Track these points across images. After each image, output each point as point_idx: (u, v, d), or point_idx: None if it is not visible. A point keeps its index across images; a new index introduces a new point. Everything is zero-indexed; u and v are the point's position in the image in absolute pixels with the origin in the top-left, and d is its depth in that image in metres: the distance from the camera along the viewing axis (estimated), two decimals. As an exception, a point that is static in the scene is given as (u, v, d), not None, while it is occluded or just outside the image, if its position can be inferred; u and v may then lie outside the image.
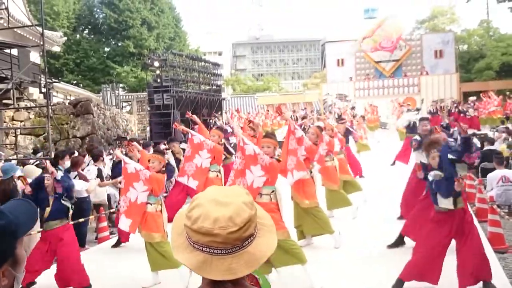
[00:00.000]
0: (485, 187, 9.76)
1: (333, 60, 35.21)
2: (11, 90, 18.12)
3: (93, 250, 8.23)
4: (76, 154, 10.82)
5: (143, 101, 32.86)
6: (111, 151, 14.26)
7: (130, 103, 34.83)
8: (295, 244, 5.53)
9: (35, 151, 15.34)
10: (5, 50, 18.37)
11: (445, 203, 5.07)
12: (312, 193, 6.89)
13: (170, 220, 5.29)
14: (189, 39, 51.25)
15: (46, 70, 16.40)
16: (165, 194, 8.51)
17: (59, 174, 6.05)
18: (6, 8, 16.29)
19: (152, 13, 43.23)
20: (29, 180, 7.85)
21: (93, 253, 8.02)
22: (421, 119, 8.01)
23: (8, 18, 16.13)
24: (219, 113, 26.82)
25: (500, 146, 13.38)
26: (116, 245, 8.16)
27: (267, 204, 5.41)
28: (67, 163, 8.92)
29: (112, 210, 9.85)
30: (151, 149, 11.83)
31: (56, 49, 28.19)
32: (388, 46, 33.03)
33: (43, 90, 17.30)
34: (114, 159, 10.20)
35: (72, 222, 8.64)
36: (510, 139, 13.91)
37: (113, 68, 41.40)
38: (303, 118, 18.71)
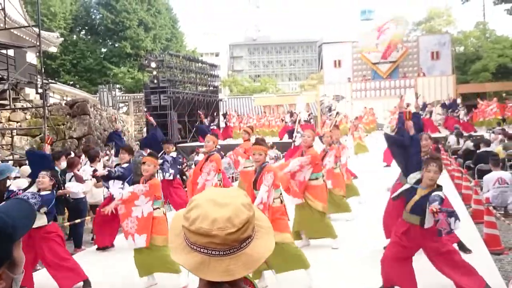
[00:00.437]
0: (481, 189, 9.79)
1: (330, 61, 35.22)
2: (8, 91, 18.10)
3: (89, 251, 8.21)
4: (72, 155, 10.83)
5: (140, 102, 32.84)
6: (108, 152, 14.24)
7: (127, 104, 34.79)
8: (299, 249, 5.52)
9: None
10: (1, 51, 18.33)
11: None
12: (325, 199, 6.97)
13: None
14: (186, 40, 51.24)
15: (43, 70, 16.40)
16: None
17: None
18: (3, 9, 16.27)
19: (149, 14, 43.21)
20: (24, 180, 7.85)
21: (89, 254, 7.99)
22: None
23: (5, 19, 16.12)
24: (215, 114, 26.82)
25: (496, 147, 13.42)
26: (103, 248, 8.12)
27: (280, 208, 5.49)
28: (63, 163, 8.94)
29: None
30: (148, 150, 11.84)
31: (53, 49, 28.18)
32: (382, 50, 33.15)
33: (40, 90, 17.30)
34: (111, 160, 10.20)
35: (68, 223, 8.68)
36: (506, 141, 13.95)
37: (110, 69, 41.35)
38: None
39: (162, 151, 9.79)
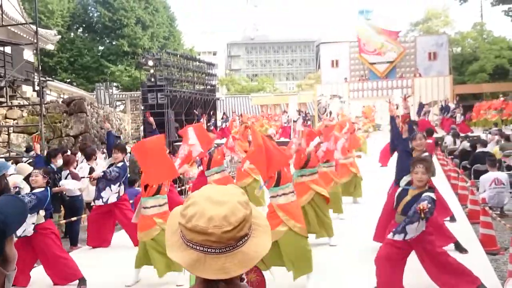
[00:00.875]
0: (477, 189, 9.81)
1: (328, 61, 35.23)
2: (4, 88, 18.06)
3: (85, 249, 8.19)
4: (69, 152, 10.80)
5: (137, 100, 32.79)
6: (104, 150, 14.21)
7: (123, 102, 34.73)
8: (309, 252, 5.47)
9: (27, 149, 15.26)
10: (-2, 48, 18.28)
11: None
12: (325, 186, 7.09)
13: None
14: (183, 39, 51.18)
15: (40, 68, 16.34)
16: None
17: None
18: (0, 6, 16.22)
19: (147, 12, 43.13)
20: (20, 177, 7.84)
21: (85, 252, 7.98)
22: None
23: (2, 16, 16.06)
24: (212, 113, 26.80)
25: (493, 148, 13.45)
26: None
27: (295, 201, 5.58)
28: (59, 161, 8.92)
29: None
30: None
31: (50, 47, 28.11)
32: (371, 51, 33.17)
33: (37, 88, 17.25)
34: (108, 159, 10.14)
35: (64, 221, 8.67)
36: (503, 142, 13.98)
37: (107, 67, 41.27)
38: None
39: None
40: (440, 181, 10.28)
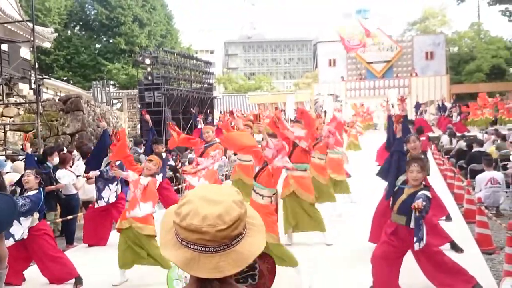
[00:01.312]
0: (473, 189, 9.83)
1: (325, 60, 35.27)
2: (1, 86, 18.00)
3: (81, 247, 8.18)
4: (65, 150, 10.78)
5: (133, 98, 32.73)
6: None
7: (120, 100, 34.67)
8: (285, 249, 5.50)
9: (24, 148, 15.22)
10: (-5, 45, 18.23)
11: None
12: (312, 190, 7.06)
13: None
14: (181, 37, 51.10)
15: (36, 66, 16.30)
16: None
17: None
18: (-3, 3, 16.16)
19: (144, 10, 43.03)
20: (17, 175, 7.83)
21: (81, 250, 7.97)
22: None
23: (-2, 13, 16.00)
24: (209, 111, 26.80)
25: (489, 148, 13.47)
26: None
27: (267, 207, 5.46)
28: (55, 159, 8.90)
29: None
30: (142, 147, 11.82)
31: (47, 45, 28.01)
32: (356, 45, 33.15)
33: (33, 86, 17.21)
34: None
35: (60, 219, 8.65)
36: (499, 141, 14.01)
37: (104, 65, 41.16)
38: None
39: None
40: (436, 180, 10.29)
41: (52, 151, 9.13)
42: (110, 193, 7.78)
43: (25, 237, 5.63)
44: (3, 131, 18.12)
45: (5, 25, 20.15)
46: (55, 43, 35.24)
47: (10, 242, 5.16)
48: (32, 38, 15.21)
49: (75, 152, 11.22)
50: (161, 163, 6.23)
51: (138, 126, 27.79)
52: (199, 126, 10.40)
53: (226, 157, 13.77)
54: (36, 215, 5.84)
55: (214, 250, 1.36)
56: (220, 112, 29.36)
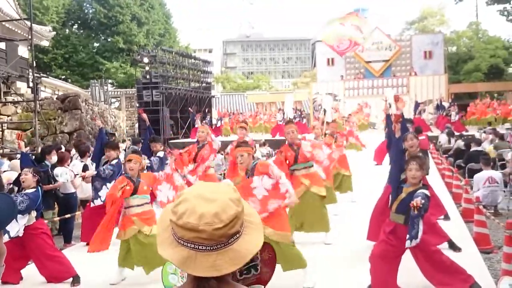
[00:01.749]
0: (471, 188, 9.84)
1: (323, 59, 35.22)
2: (-2, 84, 17.96)
3: (79, 246, 8.16)
4: (63, 149, 10.76)
5: (132, 97, 32.72)
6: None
7: (118, 99, 34.64)
8: (296, 250, 5.40)
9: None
10: (-8, 44, 18.18)
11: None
12: (322, 182, 7.07)
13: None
14: (179, 36, 51.11)
15: (34, 64, 16.28)
16: None
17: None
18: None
19: (142, 9, 43.01)
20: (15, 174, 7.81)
21: (79, 249, 7.95)
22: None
23: (-4, 12, 15.97)
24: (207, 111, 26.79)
25: (487, 147, 13.49)
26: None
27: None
28: (54, 158, 8.89)
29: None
30: (141, 146, 11.77)
31: (45, 43, 27.97)
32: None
33: (31, 84, 17.16)
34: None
35: (58, 218, 8.63)
36: (497, 141, 14.02)
37: (102, 64, 41.14)
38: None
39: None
40: (434, 179, 10.29)
41: (50, 150, 9.11)
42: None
43: (20, 235, 5.61)
44: (0, 129, 18.10)
45: (3, 23, 20.10)
46: (53, 41, 35.19)
47: (5, 238, 5.15)
48: (30, 37, 15.20)
49: (73, 151, 11.21)
50: (141, 158, 6.19)
51: (136, 125, 27.75)
52: (197, 125, 10.36)
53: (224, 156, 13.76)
54: (34, 214, 5.82)
55: (211, 248, 1.35)
56: (219, 111, 29.33)
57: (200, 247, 1.35)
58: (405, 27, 49.88)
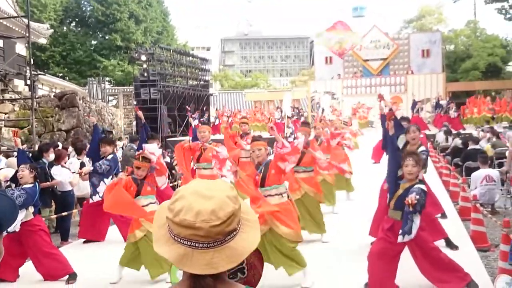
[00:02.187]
0: (469, 186, 9.85)
1: (321, 58, 35.25)
2: (-4, 82, 17.91)
3: (76, 244, 8.16)
4: (60, 147, 10.74)
5: (129, 95, 32.66)
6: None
7: (116, 97, 34.59)
8: (299, 252, 5.42)
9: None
10: (-10, 41, 18.13)
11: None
12: (321, 189, 7.19)
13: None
14: (177, 34, 51.03)
15: (32, 62, 16.24)
16: None
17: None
18: (-8, -1, 16.08)
19: (140, 7, 42.92)
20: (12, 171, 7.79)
21: (76, 246, 7.95)
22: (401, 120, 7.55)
23: (-7, 9, 15.92)
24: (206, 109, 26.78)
25: (484, 145, 13.51)
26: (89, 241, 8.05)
27: (287, 203, 5.53)
28: (51, 156, 8.87)
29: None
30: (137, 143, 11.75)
31: (43, 41, 27.91)
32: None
33: (28, 82, 17.14)
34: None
35: (55, 216, 8.62)
36: (494, 139, 14.04)
37: (100, 61, 41.05)
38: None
39: None
40: (432, 178, 10.31)
41: (48, 148, 9.10)
42: None
43: (17, 230, 5.60)
44: (-2, 127, 18.05)
45: (0, 20, 20.04)
46: (51, 39, 35.10)
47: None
48: (27, 34, 15.16)
49: (70, 149, 11.20)
50: (148, 166, 6.07)
51: (134, 123, 27.73)
52: (192, 125, 10.26)
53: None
54: (31, 209, 5.82)
55: (208, 246, 1.34)
56: (216, 109, 29.31)
57: (196, 245, 1.34)
58: (403, 26, 49.88)
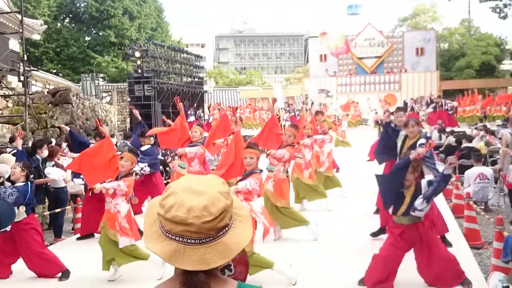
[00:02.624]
0: (462, 184, 9.89)
1: (316, 55, 35.29)
2: (-11, 78, 17.80)
3: (69, 241, 8.13)
4: (54, 143, 10.69)
5: (123, 91, 32.51)
6: (91, 142, 14.04)
7: (110, 93, 34.43)
8: (258, 255, 5.25)
9: (11, 140, 15.09)
10: (-18, 37, 18.01)
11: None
12: (287, 194, 7.02)
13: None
14: (171, 30, 50.84)
15: (25, 58, 16.13)
16: None
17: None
18: (-16, -6, 15.96)
19: (134, 3, 42.73)
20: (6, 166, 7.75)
21: (69, 243, 7.92)
22: (397, 110, 7.62)
23: (-14, 4, 15.80)
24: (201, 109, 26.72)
25: (478, 143, 13.55)
26: (85, 237, 8.00)
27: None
28: (45, 152, 8.83)
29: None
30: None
31: (36, 37, 27.77)
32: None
33: (22, 78, 17.03)
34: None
35: (48, 212, 8.58)
36: (487, 137, 14.09)
37: (94, 58, 40.86)
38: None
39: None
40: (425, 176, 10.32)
41: (42, 144, 9.05)
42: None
43: (8, 229, 5.57)
44: (-10, 123, 17.94)
45: (-6, 16, 19.90)
46: (45, 35, 34.91)
47: None
48: (21, 30, 15.06)
49: (64, 145, 11.13)
50: (135, 158, 6.08)
51: (128, 119, 27.62)
52: (189, 119, 10.34)
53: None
54: (23, 209, 5.77)
55: (200, 242, 1.33)
56: (209, 106, 29.24)
57: (188, 241, 1.33)
58: (397, 24, 50.02)
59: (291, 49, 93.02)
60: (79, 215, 8.94)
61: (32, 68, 22.58)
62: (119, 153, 6.46)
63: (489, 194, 9.64)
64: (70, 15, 45.01)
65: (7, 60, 19.02)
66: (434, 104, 24.20)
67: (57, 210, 8.38)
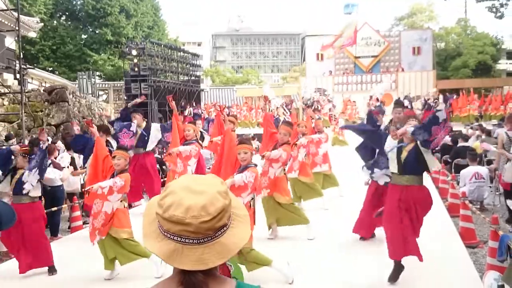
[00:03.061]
0: (458, 183, 9.91)
1: (313, 54, 35.27)
2: (-15, 76, 17.74)
3: (66, 239, 8.12)
4: (50, 141, 10.67)
5: (120, 90, 32.50)
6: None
7: (106, 91, 34.39)
8: (257, 252, 5.31)
9: (7, 138, 15.06)
10: (-22, 34, 17.94)
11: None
12: (288, 190, 7.10)
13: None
14: (168, 29, 50.76)
15: (21, 56, 16.08)
16: None
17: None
18: (-20, -9, 15.90)
19: (131, 1, 42.65)
20: None
21: (66, 242, 7.91)
22: (395, 106, 7.56)
23: (-18, 2, 15.74)
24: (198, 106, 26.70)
25: (473, 143, 13.58)
26: None
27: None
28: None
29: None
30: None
31: (32, 35, 27.66)
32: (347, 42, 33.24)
33: (18, 76, 16.99)
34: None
35: (45, 211, 8.56)
36: (483, 136, 14.13)
37: (90, 56, 40.78)
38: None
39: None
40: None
41: (38, 142, 9.02)
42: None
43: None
44: (-14, 121, 17.90)
45: (-11, 14, 19.84)
46: (41, 33, 34.81)
47: None
48: (17, 28, 15.02)
49: (60, 144, 11.12)
50: (127, 155, 6.08)
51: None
52: (186, 114, 10.29)
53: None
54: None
55: (198, 241, 1.33)
56: (205, 104, 29.22)
57: (186, 240, 1.33)
58: (394, 23, 50.07)
59: (287, 48, 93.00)
60: (76, 213, 8.95)
61: (28, 66, 22.52)
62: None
63: (485, 194, 9.67)
64: (67, 13, 44.89)
65: (3, 58, 18.96)
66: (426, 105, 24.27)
67: (53, 209, 8.36)
